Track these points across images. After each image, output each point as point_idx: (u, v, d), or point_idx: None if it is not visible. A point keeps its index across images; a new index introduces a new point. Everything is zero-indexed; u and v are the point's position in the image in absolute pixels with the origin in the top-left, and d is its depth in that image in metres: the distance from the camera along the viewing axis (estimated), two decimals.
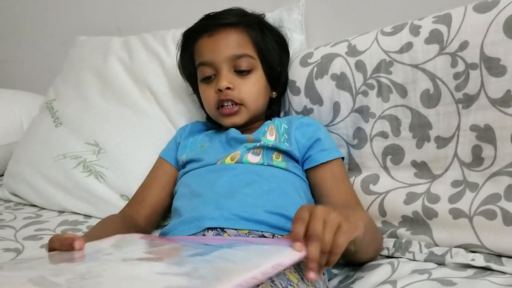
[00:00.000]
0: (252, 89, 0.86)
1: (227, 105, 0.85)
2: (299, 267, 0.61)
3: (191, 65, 0.93)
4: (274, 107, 0.95)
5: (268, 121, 0.88)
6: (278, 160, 0.80)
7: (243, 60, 0.85)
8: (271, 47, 0.90)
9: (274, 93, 0.93)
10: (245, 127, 0.88)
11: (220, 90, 0.84)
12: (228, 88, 0.84)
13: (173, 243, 0.59)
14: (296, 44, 1.04)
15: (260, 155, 0.80)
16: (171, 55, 1.11)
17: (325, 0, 1.15)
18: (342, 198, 0.77)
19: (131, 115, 1.09)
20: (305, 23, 1.07)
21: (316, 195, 0.81)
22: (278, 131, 0.84)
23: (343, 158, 0.84)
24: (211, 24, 0.88)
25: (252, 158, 0.80)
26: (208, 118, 0.97)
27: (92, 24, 1.53)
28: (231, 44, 0.86)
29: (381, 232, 0.80)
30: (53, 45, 1.65)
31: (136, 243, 0.59)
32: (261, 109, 0.90)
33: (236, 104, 0.85)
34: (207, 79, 0.88)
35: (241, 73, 0.86)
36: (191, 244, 0.55)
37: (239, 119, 0.86)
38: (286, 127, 0.84)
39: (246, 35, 0.88)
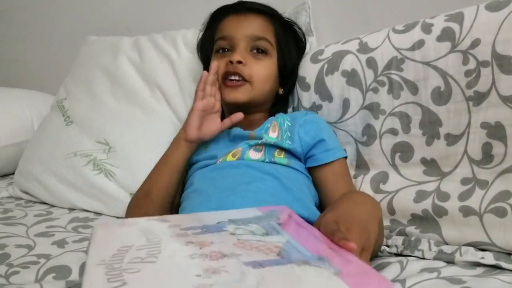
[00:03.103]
0: (262, 71, 0.90)
1: (234, 78, 0.88)
2: None
3: (210, 44, 0.97)
4: (279, 105, 0.99)
5: (271, 117, 0.90)
6: (280, 156, 0.83)
7: (261, 43, 0.91)
8: (290, 43, 0.96)
9: (281, 89, 0.96)
10: (246, 114, 0.91)
11: (231, 62, 0.88)
12: (240, 63, 0.87)
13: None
14: (306, 45, 1.07)
15: (262, 152, 0.83)
16: (181, 55, 1.15)
17: (333, 0, 1.18)
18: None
19: (141, 114, 1.13)
20: (315, 25, 1.10)
21: (318, 192, 0.85)
22: (281, 128, 0.87)
23: (346, 157, 0.87)
24: (240, 6, 0.95)
25: (254, 154, 0.83)
26: None
27: (102, 24, 1.57)
28: (253, 26, 0.91)
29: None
30: (64, 45, 1.70)
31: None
32: (265, 97, 0.93)
33: (243, 79, 0.88)
34: (222, 52, 0.92)
35: (256, 54, 0.90)
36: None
37: (242, 95, 0.88)
38: (290, 124, 0.87)
39: (270, 24, 0.94)
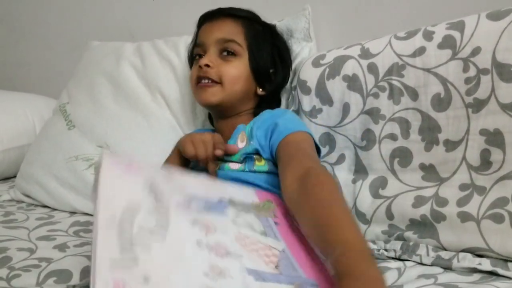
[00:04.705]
0: (231, 71, 0.94)
1: (204, 81, 0.93)
2: None
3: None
4: (263, 106, 1.00)
5: (241, 126, 0.91)
6: (261, 164, 0.84)
7: (230, 45, 0.95)
8: (262, 44, 0.99)
9: (260, 89, 0.99)
10: (229, 117, 0.96)
11: (200, 67, 0.93)
12: (208, 66, 0.92)
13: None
14: (305, 50, 1.10)
15: (242, 162, 0.85)
16: (183, 61, 1.18)
17: (335, 8, 1.20)
18: (287, 151, 0.77)
19: (141, 119, 1.15)
20: (316, 31, 1.12)
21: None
22: (248, 137, 0.88)
23: (309, 133, 0.84)
24: (216, 12, 1.00)
25: (234, 165, 0.85)
26: (209, 119, 1.08)
27: (105, 29, 1.60)
28: (223, 30, 0.97)
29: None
30: (67, 50, 1.72)
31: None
32: (239, 96, 0.96)
33: (213, 81, 0.93)
34: (198, 58, 0.98)
35: (226, 56, 0.95)
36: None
37: (212, 96, 0.93)
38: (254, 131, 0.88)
39: (241, 26, 0.98)
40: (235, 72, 0.94)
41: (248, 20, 1.00)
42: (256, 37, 0.98)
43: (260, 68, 0.98)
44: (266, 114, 0.91)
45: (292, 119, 0.90)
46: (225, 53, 0.95)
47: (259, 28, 1.00)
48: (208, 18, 1.01)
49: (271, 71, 1.01)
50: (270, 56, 1.00)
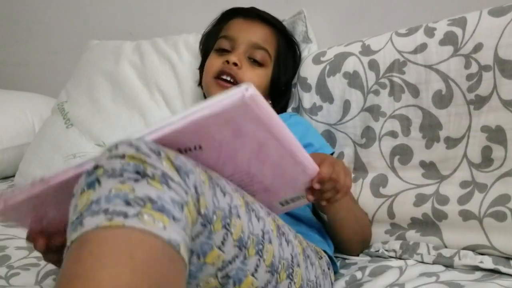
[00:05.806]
0: (254, 78, 0.93)
1: (226, 79, 0.92)
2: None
3: (213, 40, 1.01)
4: None
5: None
6: None
7: (261, 53, 0.95)
8: (288, 60, 1.00)
9: (270, 102, 1.00)
10: None
11: (227, 62, 0.92)
12: (235, 65, 0.91)
13: None
14: (305, 52, 1.09)
15: None
16: (183, 59, 1.18)
17: (336, 6, 1.20)
18: None
19: (139, 118, 1.16)
20: (316, 29, 1.13)
21: None
22: None
23: (333, 152, 0.92)
24: (251, 12, 0.99)
25: None
26: None
27: (105, 28, 1.60)
28: (259, 34, 0.96)
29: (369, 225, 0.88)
30: (66, 49, 1.72)
31: None
32: None
33: (235, 82, 0.92)
34: (221, 51, 0.96)
35: (253, 62, 0.94)
36: None
37: None
38: None
39: (275, 37, 0.98)
40: (257, 81, 0.94)
41: (282, 33, 1.00)
42: (285, 52, 0.99)
43: (279, 83, 0.98)
44: (291, 118, 0.92)
45: (318, 135, 0.93)
46: (253, 58, 0.94)
47: (287, 44, 1.01)
48: (242, 14, 0.99)
49: (283, 88, 1.01)
50: (289, 72, 1.00)
